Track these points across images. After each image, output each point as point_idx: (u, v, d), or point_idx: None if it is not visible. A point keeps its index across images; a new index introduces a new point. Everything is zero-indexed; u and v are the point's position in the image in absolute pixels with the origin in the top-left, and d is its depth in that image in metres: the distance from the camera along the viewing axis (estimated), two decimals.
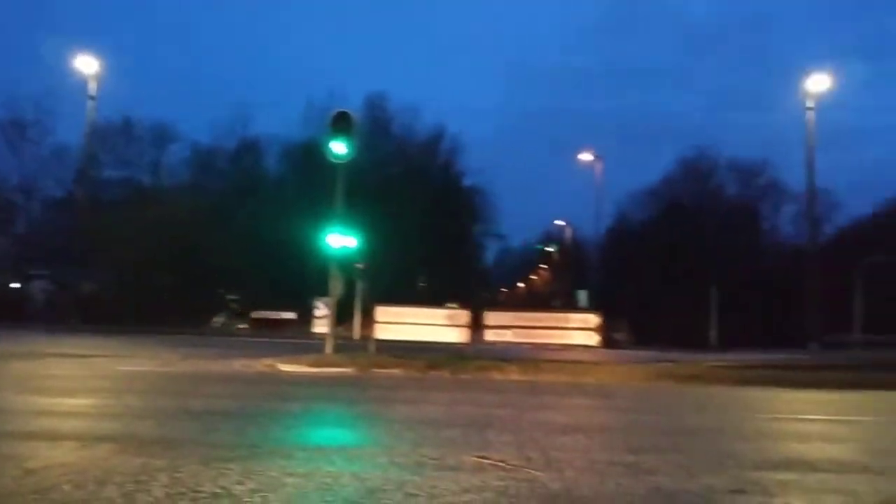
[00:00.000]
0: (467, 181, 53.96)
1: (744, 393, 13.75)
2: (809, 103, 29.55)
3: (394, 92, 53.68)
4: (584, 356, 17.52)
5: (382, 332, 17.77)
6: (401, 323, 17.87)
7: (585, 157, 40.03)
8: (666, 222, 52.15)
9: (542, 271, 79.89)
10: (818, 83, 29.53)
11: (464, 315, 18.07)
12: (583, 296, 36.37)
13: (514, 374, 14.58)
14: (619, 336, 29.86)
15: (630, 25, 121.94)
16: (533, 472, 5.75)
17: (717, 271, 39.68)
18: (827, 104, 33.32)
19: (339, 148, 16.87)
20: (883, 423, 10.50)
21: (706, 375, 15.55)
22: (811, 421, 10.15)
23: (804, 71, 30.38)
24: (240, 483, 4.72)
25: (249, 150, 51.96)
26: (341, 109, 17.70)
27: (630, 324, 34.34)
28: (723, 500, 5.30)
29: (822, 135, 52.30)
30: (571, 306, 35.00)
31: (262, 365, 15.29)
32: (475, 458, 6.09)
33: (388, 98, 50.43)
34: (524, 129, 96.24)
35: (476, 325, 17.92)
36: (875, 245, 38.27)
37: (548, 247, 71.33)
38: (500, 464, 5.95)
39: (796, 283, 33.64)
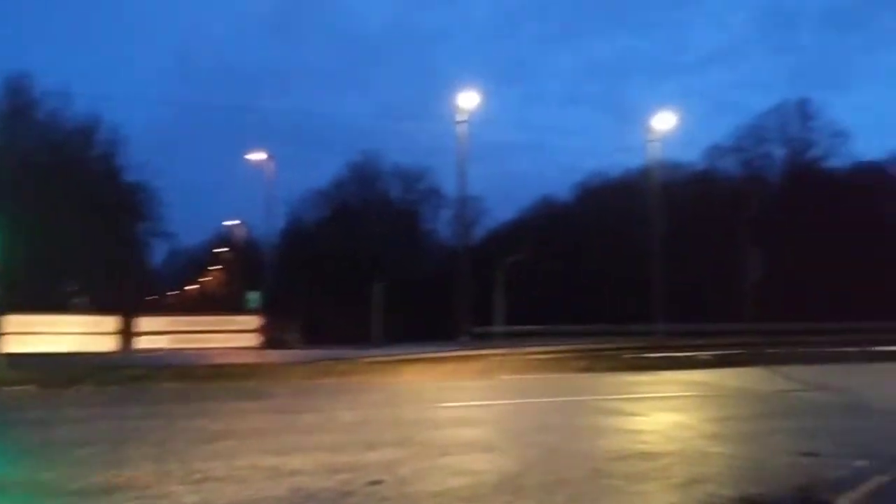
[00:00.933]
0: (130, 176, 49.83)
1: (397, 385, 14.55)
2: (461, 117, 32.40)
3: (43, 75, 47.53)
4: (247, 359, 17.23)
5: (15, 345, 15.60)
6: (38, 333, 15.84)
7: (257, 156, 39.33)
8: (336, 224, 53.52)
9: (215, 272, 77.06)
10: (468, 99, 32.50)
11: (112, 322, 16.64)
12: (254, 297, 35.60)
13: (167, 383, 13.78)
14: (288, 336, 29.78)
15: (304, 26, 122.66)
16: (168, 486, 5.45)
17: (383, 270, 41.68)
18: (480, 119, 36.78)
19: None
20: (513, 405, 11.79)
21: (365, 371, 16.21)
22: (453, 408, 11.05)
23: (457, 87, 33.23)
24: None
25: None
26: None
27: (301, 323, 34.51)
28: (360, 492, 5.52)
29: (475, 146, 57.68)
30: (241, 308, 34.13)
31: None
32: (106, 478, 5.61)
33: (33, 80, 44.60)
34: (196, 125, 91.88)
35: (129, 332, 16.59)
36: (517, 246, 43.24)
37: (221, 247, 68.99)
38: (133, 481, 5.56)
39: (451, 281, 36.58)
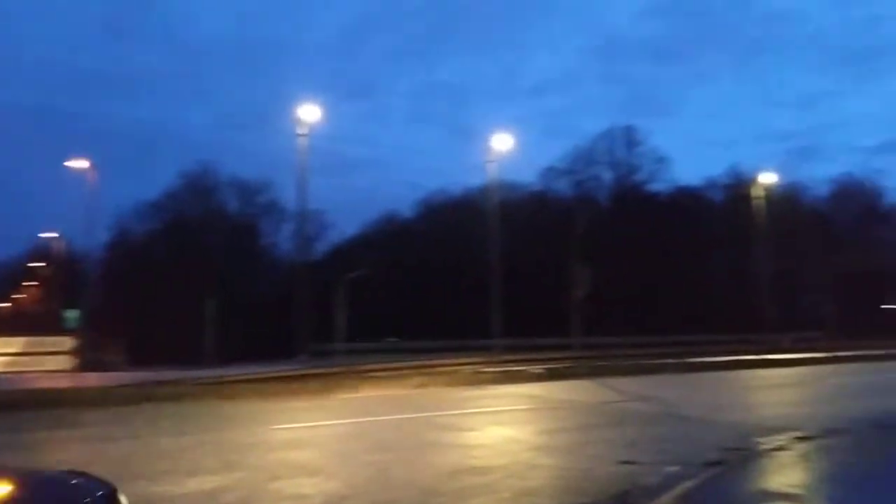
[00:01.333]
0: None
1: (228, 407, 13.91)
2: (301, 130, 31.81)
3: None
4: (59, 383, 15.82)
5: None
6: None
7: (78, 164, 36.60)
8: (168, 237, 50.98)
9: (30, 289, 70.98)
10: (310, 112, 31.99)
11: None
12: (73, 315, 33.00)
13: None
14: (110, 357, 27.81)
15: (139, 30, 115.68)
16: None
17: (220, 286, 40.07)
18: (323, 132, 36.32)
19: None
20: (349, 425, 11.55)
21: (193, 393, 15.37)
22: (286, 430, 10.70)
23: (299, 100, 32.64)
24: None
25: None
26: None
27: (128, 343, 32.43)
28: None
29: (318, 160, 57.02)
30: (60, 327, 31.57)
31: None
32: None
33: None
34: (12, 129, 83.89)
35: None
36: (359, 262, 43.03)
37: (37, 261, 63.61)
38: None
39: (291, 297, 35.78)
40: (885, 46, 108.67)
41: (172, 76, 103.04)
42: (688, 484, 6.48)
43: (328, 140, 67.15)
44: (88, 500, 2.67)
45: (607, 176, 55.57)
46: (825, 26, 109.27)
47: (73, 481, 2.86)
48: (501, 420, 11.68)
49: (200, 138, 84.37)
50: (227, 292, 40.83)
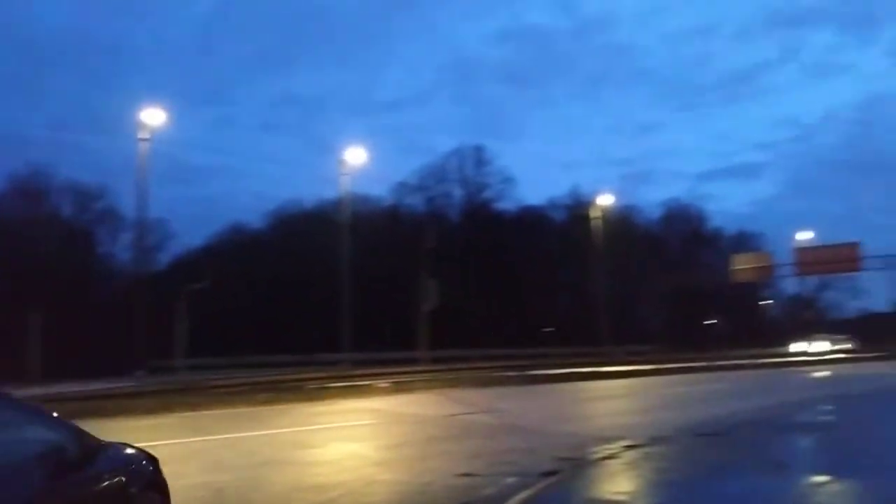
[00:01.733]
0: None
1: None
2: (144, 134, 30.24)
3: None
4: None
5: None
6: None
7: None
8: None
9: None
10: (153, 116, 30.44)
11: None
12: None
13: None
14: None
15: None
16: None
17: (49, 296, 37.23)
18: (169, 138, 34.63)
19: None
20: (185, 444, 11.03)
21: None
22: None
23: (142, 103, 31.02)
24: None
25: None
26: None
27: None
28: None
29: (162, 167, 54.39)
30: None
31: None
32: None
33: None
34: None
35: None
36: (204, 273, 41.35)
37: None
38: None
39: (129, 309, 33.82)
40: (711, 83, 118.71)
41: (3, 73, 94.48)
42: (523, 494, 6.69)
43: (175, 146, 63.97)
44: (144, 461, 4.02)
45: (457, 193, 56.84)
46: (658, 62, 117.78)
47: (129, 450, 4.00)
48: (345, 436, 11.58)
49: (33, 140, 77.67)
50: (58, 304, 37.97)
